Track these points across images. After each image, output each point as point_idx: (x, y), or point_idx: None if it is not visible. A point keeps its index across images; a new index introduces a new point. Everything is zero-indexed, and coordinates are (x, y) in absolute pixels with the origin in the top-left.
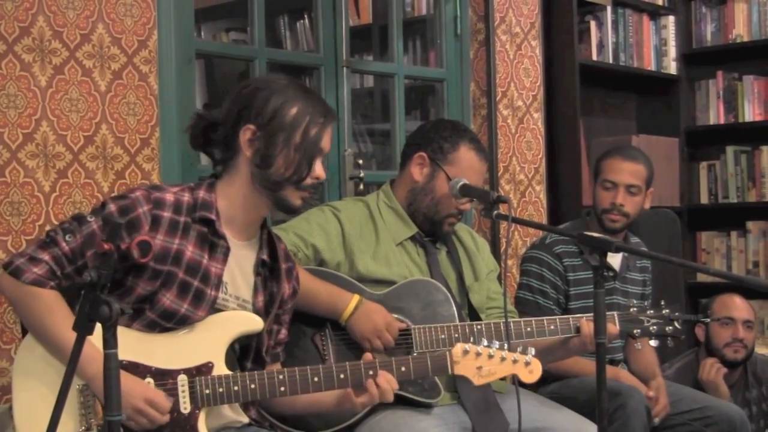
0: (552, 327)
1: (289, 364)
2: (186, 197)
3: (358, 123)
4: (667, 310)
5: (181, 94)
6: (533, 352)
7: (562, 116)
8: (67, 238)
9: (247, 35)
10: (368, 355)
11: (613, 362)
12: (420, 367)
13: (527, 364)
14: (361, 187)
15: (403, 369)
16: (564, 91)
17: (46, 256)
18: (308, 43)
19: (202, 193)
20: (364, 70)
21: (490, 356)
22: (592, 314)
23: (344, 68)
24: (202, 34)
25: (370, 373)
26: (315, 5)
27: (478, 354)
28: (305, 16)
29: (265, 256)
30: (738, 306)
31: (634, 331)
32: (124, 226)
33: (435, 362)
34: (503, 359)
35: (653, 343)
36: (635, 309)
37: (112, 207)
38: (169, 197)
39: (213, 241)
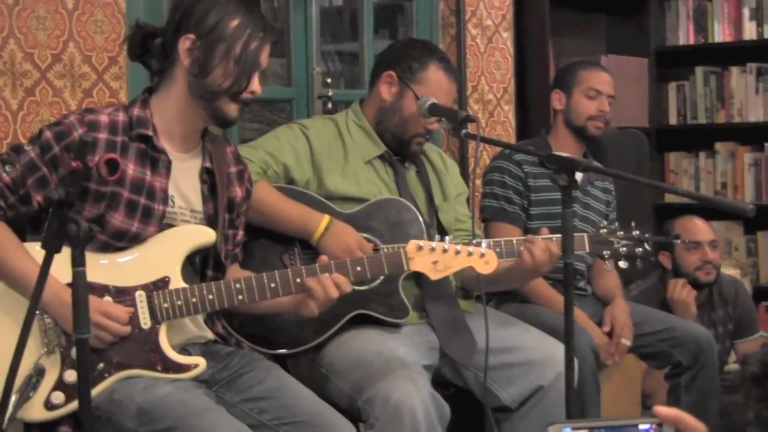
0: (521, 248)
1: None
2: (121, 116)
3: (327, 42)
4: (637, 232)
5: (149, 12)
6: (485, 244)
7: (531, 36)
8: (6, 168)
9: None
10: (323, 258)
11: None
12: (375, 266)
13: (482, 255)
14: (329, 105)
15: (358, 269)
16: (533, 11)
17: None
18: None
19: (136, 111)
20: None
21: (445, 250)
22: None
23: None
24: None
25: (327, 275)
26: None
27: (432, 249)
28: None
29: (208, 164)
30: (701, 228)
31: (604, 252)
32: (62, 151)
33: (390, 260)
34: (458, 252)
35: (623, 264)
36: (605, 230)
37: (47, 134)
38: (104, 118)
39: (153, 157)
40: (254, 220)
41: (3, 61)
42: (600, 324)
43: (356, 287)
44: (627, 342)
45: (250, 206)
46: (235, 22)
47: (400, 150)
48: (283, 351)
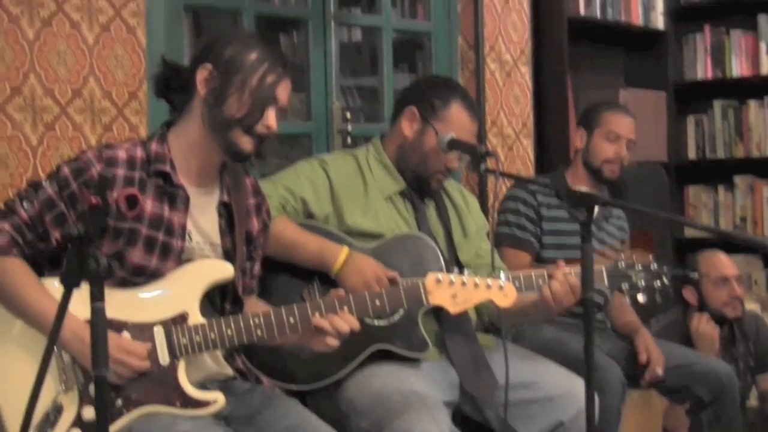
0: (540, 282)
1: None
2: (139, 152)
3: (346, 77)
4: (655, 264)
5: (169, 47)
6: (504, 276)
7: (549, 70)
8: (24, 205)
9: None
10: (340, 291)
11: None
12: (394, 299)
13: (501, 288)
14: (349, 141)
15: (377, 303)
16: (552, 46)
17: (6, 226)
18: None
19: (154, 146)
20: (352, 24)
21: (464, 284)
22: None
23: (332, 21)
24: None
25: (344, 308)
26: None
27: (451, 282)
28: None
29: (225, 198)
30: (727, 264)
31: (622, 285)
32: (80, 188)
33: (409, 293)
34: (477, 285)
35: (641, 298)
36: (623, 264)
37: (65, 170)
38: (122, 154)
39: (171, 192)
40: (274, 254)
41: (23, 97)
42: (623, 357)
43: (376, 322)
44: (660, 371)
45: (268, 240)
46: (253, 55)
47: (419, 187)
48: (304, 386)
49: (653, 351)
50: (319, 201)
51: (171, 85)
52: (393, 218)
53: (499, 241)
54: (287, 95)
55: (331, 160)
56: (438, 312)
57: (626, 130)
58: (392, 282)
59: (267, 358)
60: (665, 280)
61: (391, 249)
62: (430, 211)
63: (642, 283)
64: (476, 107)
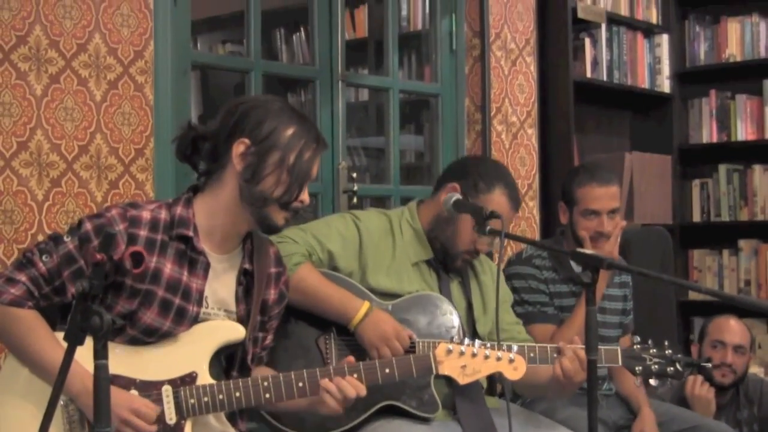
0: (555, 354)
1: (289, 364)
2: (163, 214)
3: (353, 136)
4: (670, 351)
5: (176, 104)
6: (515, 349)
7: (555, 133)
8: (43, 258)
9: (243, 47)
10: (350, 358)
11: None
12: (404, 368)
13: (511, 361)
14: (355, 200)
15: (387, 371)
16: (558, 108)
17: (23, 277)
18: (304, 56)
19: (179, 210)
20: (360, 84)
21: (474, 354)
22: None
23: (339, 81)
24: (199, 45)
25: (354, 375)
26: (311, 18)
27: (461, 353)
28: (301, 29)
29: (247, 266)
30: (731, 330)
31: (636, 368)
32: (100, 245)
33: (419, 363)
34: (487, 357)
35: (653, 382)
36: (638, 346)
37: (87, 226)
38: (146, 215)
39: (192, 257)
40: (294, 301)
41: (30, 152)
42: (625, 429)
43: None
44: None
45: (289, 287)
46: (290, 131)
47: (445, 260)
48: None
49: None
50: (346, 256)
51: (198, 150)
52: (416, 283)
53: (522, 318)
54: (318, 167)
55: (365, 217)
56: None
57: (603, 203)
58: (410, 340)
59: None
60: (678, 367)
61: (409, 306)
62: (454, 283)
63: (656, 368)
64: (518, 196)
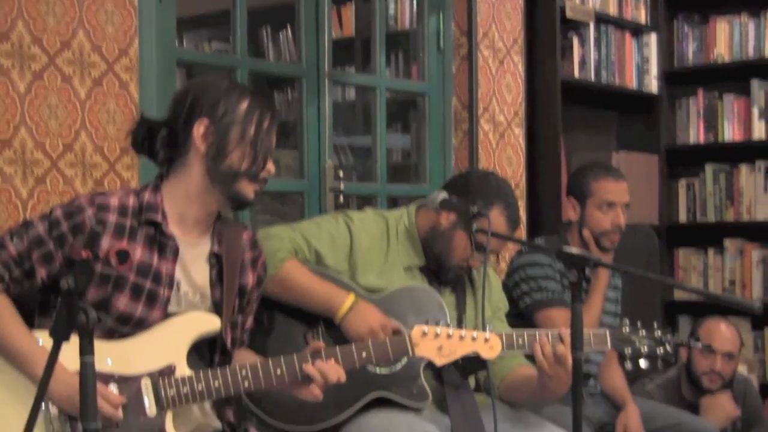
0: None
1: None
2: (131, 200)
3: (339, 135)
4: (659, 331)
5: (161, 102)
6: (490, 329)
7: (543, 132)
8: (14, 241)
9: (230, 45)
10: (320, 343)
11: (588, 375)
12: (380, 352)
13: (486, 340)
14: (341, 199)
15: (364, 354)
16: (545, 108)
17: None
18: (291, 54)
19: (147, 195)
20: (346, 82)
21: (449, 336)
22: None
23: (326, 80)
24: (185, 43)
25: (331, 359)
26: (298, 17)
27: (436, 335)
28: (288, 27)
29: (216, 249)
30: (722, 336)
31: (625, 350)
32: (70, 230)
33: (395, 345)
34: (462, 337)
35: (643, 363)
36: (627, 328)
37: (58, 212)
38: (114, 201)
39: (161, 242)
40: (280, 296)
41: (13, 150)
42: (609, 425)
43: (378, 370)
44: None
45: (275, 283)
46: (244, 105)
47: (437, 271)
48: (301, 428)
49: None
50: (335, 257)
51: (154, 141)
52: (407, 284)
53: (538, 305)
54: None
55: (359, 219)
56: (438, 369)
57: (619, 196)
58: (395, 333)
59: (266, 398)
60: (668, 348)
61: (397, 299)
62: (447, 291)
63: (645, 349)
64: (517, 217)
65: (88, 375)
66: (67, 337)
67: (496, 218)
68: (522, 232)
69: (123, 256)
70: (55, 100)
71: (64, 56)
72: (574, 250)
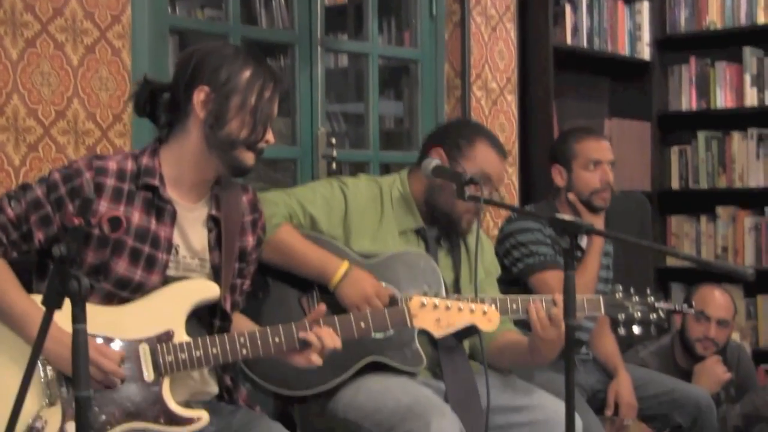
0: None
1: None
2: (129, 164)
3: (332, 102)
4: (652, 298)
5: (154, 69)
6: (490, 301)
7: (535, 99)
8: (12, 204)
9: (222, 12)
10: (322, 306)
11: (580, 342)
12: (379, 321)
13: (484, 313)
14: (334, 166)
15: (362, 325)
16: (538, 74)
17: None
18: (283, 20)
19: (145, 159)
20: (339, 49)
21: (447, 307)
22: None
23: (318, 47)
24: (177, 10)
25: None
26: None
27: (435, 306)
28: None
29: (214, 212)
30: (716, 303)
31: (618, 316)
32: (68, 194)
33: (393, 316)
34: (460, 309)
35: (636, 329)
36: (620, 294)
37: (56, 175)
38: (112, 165)
39: (159, 206)
40: (274, 261)
41: (6, 117)
42: (601, 392)
43: (373, 335)
44: (630, 422)
45: (269, 248)
46: (247, 73)
47: (449, 227)
48: (297, 392)
49: (624, 400)
50: (330, 222)
51: (156, 104)
52: (401, 249)
53: (531, 270)
54: (277, 106)
55: (353, 184)
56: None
57: (603, 154)
58: (390, 298)
59: (262, 363)
60: (661, 314)
61: (391, 264)
62: (442, 253)
63: (638, 315)
64: (502, 146)
65: (80, 343)
66: (59, 305)
67: (483, 150)
68: (514, 198)
69: (115, 223)
70: (47, 67)
71: (56, 23)
72: (566, 217)
